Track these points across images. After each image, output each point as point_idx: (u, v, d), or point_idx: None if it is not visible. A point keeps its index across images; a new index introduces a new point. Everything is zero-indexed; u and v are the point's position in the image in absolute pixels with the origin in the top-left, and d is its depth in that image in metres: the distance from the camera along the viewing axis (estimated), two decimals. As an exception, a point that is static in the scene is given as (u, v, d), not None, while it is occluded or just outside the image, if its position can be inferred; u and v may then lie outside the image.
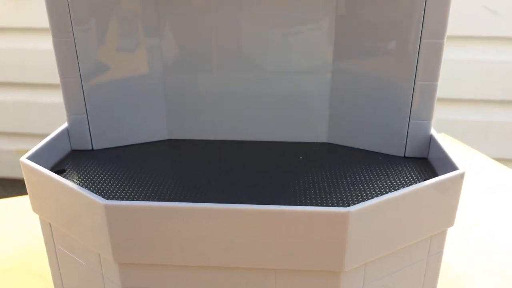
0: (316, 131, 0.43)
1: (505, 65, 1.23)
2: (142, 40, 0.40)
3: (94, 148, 0.41)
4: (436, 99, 0.38)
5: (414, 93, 0.38)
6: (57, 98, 1.44)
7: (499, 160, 1.31)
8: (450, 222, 0.33)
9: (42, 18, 1.26)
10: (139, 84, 0.41)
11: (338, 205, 0.31)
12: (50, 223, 0.35)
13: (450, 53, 1.12)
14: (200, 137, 0.44)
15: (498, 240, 0.48)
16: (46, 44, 1.32)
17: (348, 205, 0.31)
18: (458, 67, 1.22)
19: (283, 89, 0.42)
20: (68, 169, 0.37)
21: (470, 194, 0.57)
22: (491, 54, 1.24)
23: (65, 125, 0.41)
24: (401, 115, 0.39)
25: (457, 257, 0.45)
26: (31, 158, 0.35)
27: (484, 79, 1.24)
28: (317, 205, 0.31)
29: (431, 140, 0.39)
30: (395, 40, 0.37)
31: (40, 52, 1.34)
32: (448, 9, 0.35)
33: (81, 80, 0.39)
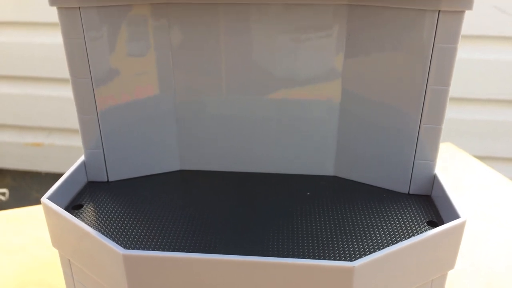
0: (323, 165, 0.44)
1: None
2: (154, 71, 0.41)
3: (110, 180, 0.43)
4: (440, 140, 0.39)
5: (419, 134, 0.39)
6: (64, 92, 1.46)
7: (501, 159, 1.32)
8: (451, 265, 0.35)
9: (49, 13, 1.27)
10: (152, 117, 0.43)
11: (343, 254, 0.33)
12: (69, 259, 0.37)
13: (460, 53, 1.12)
14: (210, 168, 0.45)
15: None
16: (53, 38, 1.33)
17: (353, 255, 0.33)
18: (468, 66, 1.22)
19: (292, 115, 0.43)
20: (85, 204, 0.39)
21: (475, 211, 0.58)
22: (501, 53, 1.24)
23: (82, 158, 0.42)
24: (406, 155, 0.40)
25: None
26: (51, 197, 0.36)
27: (494, 78, 1.24)
28: (323, 253, 0.33)
29: (434, 179, 0.40)
30: (402, 84, 0.38)
31: (47, 46, 1.35)
32: (454, 58, 0.36)
33: (98, 118, 0.40)
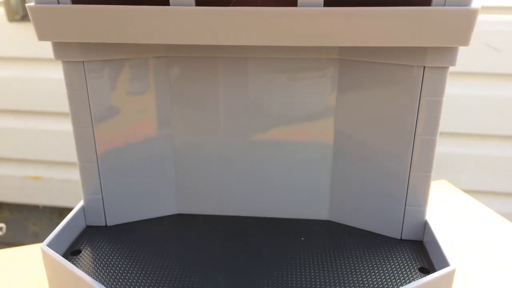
0: (318, 209, 0.45)
1: (506, 100, 1.25)
2: (153, 112, 0.43)
3: (108, 224, 0.44)
4: (430, 186, 0.40)
5: (409, 182, 0.40)
6: (65, 126, 1.48)
7: (498, 194, 1.32)
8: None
9: (50, 49, 1.30)
10: (150, 160, 0.44)
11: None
12: (67, 306, 0.37)
13: (452, 88, 1.14)
14: (206, 211, 0.46)
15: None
16: (55, 73, 1.36)
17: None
18: (461, 101, 1.24)
19: (288, 158, 0.44)
20: (84, 249, 0.40)
21: (471, 254, 0.58)
22: (491, 90, 1.26)
23: (81, 203, 0.43)
24: (398, 201, 0.41)
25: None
26: (51, 243, 0.37)
27: (484, 114, 1.26)
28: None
29: (426, 225, 0.41)
30: (391, 134, 0.40)
31: (49, 81, 1.38)
32: (440, 110, 0.38)
33: (98, 165, 0.41)
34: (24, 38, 1.39)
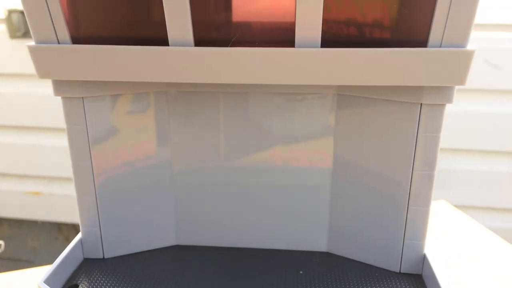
0: (317, 241, 0.45)
1: (504, 116, 1.26)
2: (153, 144, 0.43)
3: (105, 256, 0.44)
4: (428, 220, 0.40)
5: (408, 215, 0.40)
6: (64, 141, 1.48)
7: (499, 209, 1.32)
8: None
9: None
10: (149, 191, 0.44)
11: None
12: None
13: (454, 106, 1.15)
14: (204, 243, 0.46)
15: None
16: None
17: None
18: (462, 118, 1.25)
19: (287, 187, 0.44)
20: (81, 283, 0.40)
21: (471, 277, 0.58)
22: (490, 106, 1.27)
23: (79, 236, 0.43)
24: (397, 234, 0.41)
25: None
26: (48, 279, 0.37)
27: (486, 130, 1.27)
28: None
29: (424, 259, 0.41)
30: (389, 167, 0.40)
31: (49, 97, 1.39)
32: (438, 146, 0.38)
33: (96, 198, 0.42)
34: (25, 55, 1.40)
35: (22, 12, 1.36)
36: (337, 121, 0.41)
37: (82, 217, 0.42)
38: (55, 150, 1.49)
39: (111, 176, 0.42)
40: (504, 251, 0.63)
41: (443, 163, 1.25)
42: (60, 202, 1.57)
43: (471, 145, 1.28)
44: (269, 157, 0.43)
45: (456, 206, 0.81)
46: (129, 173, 0.43)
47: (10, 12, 1.32)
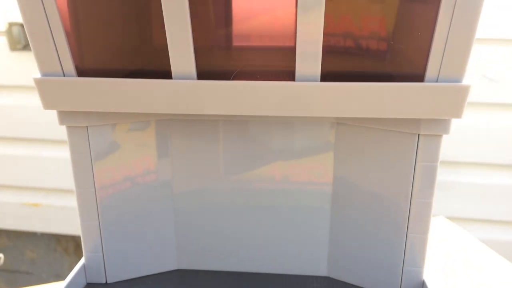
0: (317, 265, 0.46)
1: (502, 130, 1.27)
2: (154, 170, 0.44)
3: (108, 281, 0.44)
4: (427, 248, 0.41)
5: (406, 243, 0.41)
6: (63, 153, 1.49)
7: (497, 222, 1.32)
8: None
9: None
10: (151, 215, 0.45)
11: None
12: None
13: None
14: (205, 267, 0.47)
15: None
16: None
17: None
18: (461, 131, 1.26)
19: (288, 210, 0.44)
20: (84, 310, 0.40)
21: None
22: (488, 119, 1.28)
23: (82, 261, 0.44)
24: (396, 261, 0.42)
25: None
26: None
27: (485, 143, 1.28)
28: None
29: (423, 285, 0.41)
30: (388, 195, 0.40)
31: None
32: (435, 175, 0.38)
33: (99, 224, 0.42)
34: (25, 67, 1.41)
35: (22, 25, 1.37)
36: (336, 148, 0.42)
37: (85, 242, 0.43)
38: (54, 162, 1.49)
39: (114, 202, 0.43)
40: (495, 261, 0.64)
41: (441, 175, 1.25)
42: (59, 214, 1.57)
43: (467, 158, 1.29)
44: (269, 178, 0.44)
45: (456, 218, 0.81)
46: (131, 199, 0.43)
47: (11, 25, 1.33)
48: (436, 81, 0.34)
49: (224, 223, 0.46)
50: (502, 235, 1.35)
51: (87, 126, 0.39)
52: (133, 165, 0.42)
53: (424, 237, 0.40)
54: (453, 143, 1.26)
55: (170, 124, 0.42)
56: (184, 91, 0.35)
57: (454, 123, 0.36)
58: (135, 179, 0.43)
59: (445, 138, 0.38)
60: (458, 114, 0.34)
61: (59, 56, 0.35)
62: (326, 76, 0.34)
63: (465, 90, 0.33)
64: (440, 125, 0.36)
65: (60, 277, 1.47)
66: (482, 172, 1.32)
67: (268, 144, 0.43)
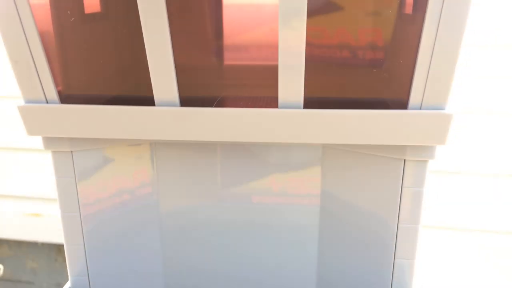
0: (305, 284, 0.45)
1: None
2: (140, 194, 0.44)
3: (95, 305, 0.44)
4: (414, 272, 0.40)
5: (394, 267, 0.40)
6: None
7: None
8: None
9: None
10: (137, 241, 0.44)
11: None
12: None
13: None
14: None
15: None
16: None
17: None
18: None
19: (276, 232, 0.44)
20: (69, 334, 0.40)
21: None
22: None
23: (68, 284, 0.43)
24: (384, 284, 0.41)
25: None
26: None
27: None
28: None
29: (411, 310, 0.41)
30: (375, 220, 0.40)
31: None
32: (422, 200, 0.38)
33: (84, 248, 0.42)
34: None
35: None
36: (323, 171, 0.42)
37: (71, 266, 0.43)
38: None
39: (99, 225, 0.42)
40: None
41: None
42: (60, 224, 1.57)
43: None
44: (256, 197, 0.43)
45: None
46: (117, 222, 0.43)
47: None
48: (420, 109, 0.33)
49: (212, 244, 0.45)
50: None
51: (71, 151, 0.39)
52: (118, 188, 0.42)
53: (412, 262, 0.40)
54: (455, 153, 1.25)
55: (155, 147, 0.42)
56: (167, 118, 0.35)
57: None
58: (121, 202, 0.43)
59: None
60: (441, 141, 0.34)
61: (42, 83, 0.35)
62: (310, 102, 0.34)
63: (448, 118, 0.33)
64: (426, 151, 0.36)
65: (60, 287, 1.47)
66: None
67: (255, 163, 0.42)
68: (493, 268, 0.96)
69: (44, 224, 1.60)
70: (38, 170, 1.52)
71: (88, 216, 0.41)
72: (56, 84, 0.35)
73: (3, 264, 1.62)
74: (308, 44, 0.32)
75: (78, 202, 0.41)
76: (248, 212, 0.44)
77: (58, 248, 1.60)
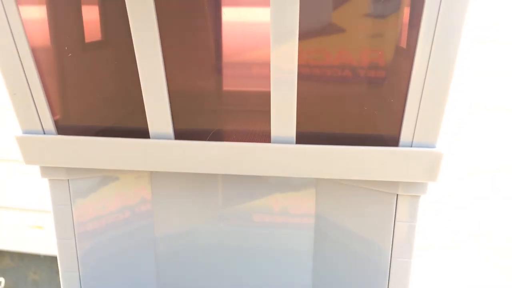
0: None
1: None
2: (137, 222, 0.44)
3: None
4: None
5: (387, 301, 0.40)
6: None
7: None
8: None
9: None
10: (132, 268, 0.45)
11: None
12: None
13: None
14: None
15: None
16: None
17: None
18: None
19: (269, 261, 0.44)
20: None
21: None
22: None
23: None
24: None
25: None
26: None
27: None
28: None
29: None
30: (368, 254, 0.40)
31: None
32: (414, 234, 0.38)
33: (79, 274, 0.42)
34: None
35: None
36: (317, 203, 0.42)
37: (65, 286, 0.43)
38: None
39: (94, 252, 0.43)
40: None
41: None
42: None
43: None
44: (251, 222, 0.43)
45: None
46: (112, 249, 0.43)
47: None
48: (411, 146, 0.34)
49: (206, 268, 0.45)
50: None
51: (68, 179, 0.40)
52: (114, 215, 0.43)
53: (405, 294, 0.40)
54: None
55: (151, 174, 0.43)
56: (161, 150, 0.35)
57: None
58: (116, 228, 0.43)
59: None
60: (433, 178, 0.34)
61: (39, 115, 0.35)
62: (302, 136, 0.35)
63: (439, 156, 0.33)
64: (418, 186, 0.36)
65: (61, 300, 1.46)
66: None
67: (250, 190, 0.43)
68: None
69: (47, 236, 1.60)
70: (41, 182, 1.53)
71: (83, 242, 0.42)
72: (53, 115, 0.36)
73: (5, 276, 1.62)
74: (299, 80, 0.32)
75: (74, 228, 0.41)
76: (243, 236, 0.44)
77: (60, 261, 1.59)
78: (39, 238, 1.62)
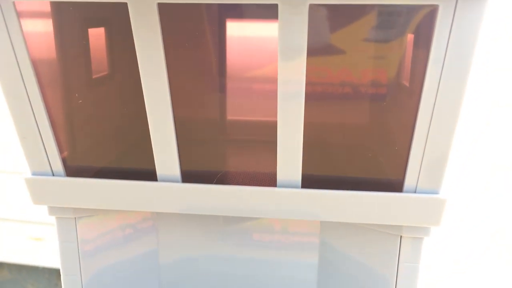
0: None
1: None
2: (141, 259, 0.44)
3: None
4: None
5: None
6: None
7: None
8: None
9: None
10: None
11: None
12: None
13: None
14: None
15: None
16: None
17: None
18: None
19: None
20: None
21: None
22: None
23: None
24: None
25: None
26: None
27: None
28: None
29: None
30: (373, 279, 0.41)
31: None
32: (417, 276, 0.39)
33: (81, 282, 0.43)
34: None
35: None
36: (321, 242, 0.42)
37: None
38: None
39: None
40: None
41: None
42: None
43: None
44: (256, 249, 0.44)
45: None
46: (118, 285, 0.44)
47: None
48: (415, 192, 0.34)
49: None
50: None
51: (75, 218, 0.40)
52: (121, 252, 0.43)
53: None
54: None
55: (157, 215, 0.43)
56: (168, 193, 0.36)
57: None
58: (123, 265, 0.43)
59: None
60: (436, 223, 0.35)
61: (48, 157, 0.36)
62: (308, 180, 0.35)
63: (442, 202, 0.34)
64: (421, 230, 0.37)
65: (59, 313, 1.46)
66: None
67: (253, 224, 0.43)
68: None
69: (46, 249, 1.60)
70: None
71: (88, 279, 0.42)
72: (62, 158, 0.36)
73: (3, 289, 1.61)
74: (307, 124, 0.33)
75: (80, 265, 0.41)
76: (247, 263, 0.44)
77: (58, 273, 1.60)
78: (37, 250, 1.62)
